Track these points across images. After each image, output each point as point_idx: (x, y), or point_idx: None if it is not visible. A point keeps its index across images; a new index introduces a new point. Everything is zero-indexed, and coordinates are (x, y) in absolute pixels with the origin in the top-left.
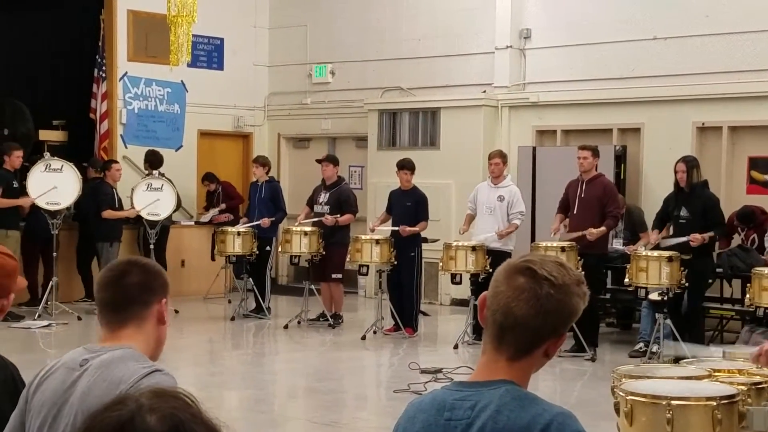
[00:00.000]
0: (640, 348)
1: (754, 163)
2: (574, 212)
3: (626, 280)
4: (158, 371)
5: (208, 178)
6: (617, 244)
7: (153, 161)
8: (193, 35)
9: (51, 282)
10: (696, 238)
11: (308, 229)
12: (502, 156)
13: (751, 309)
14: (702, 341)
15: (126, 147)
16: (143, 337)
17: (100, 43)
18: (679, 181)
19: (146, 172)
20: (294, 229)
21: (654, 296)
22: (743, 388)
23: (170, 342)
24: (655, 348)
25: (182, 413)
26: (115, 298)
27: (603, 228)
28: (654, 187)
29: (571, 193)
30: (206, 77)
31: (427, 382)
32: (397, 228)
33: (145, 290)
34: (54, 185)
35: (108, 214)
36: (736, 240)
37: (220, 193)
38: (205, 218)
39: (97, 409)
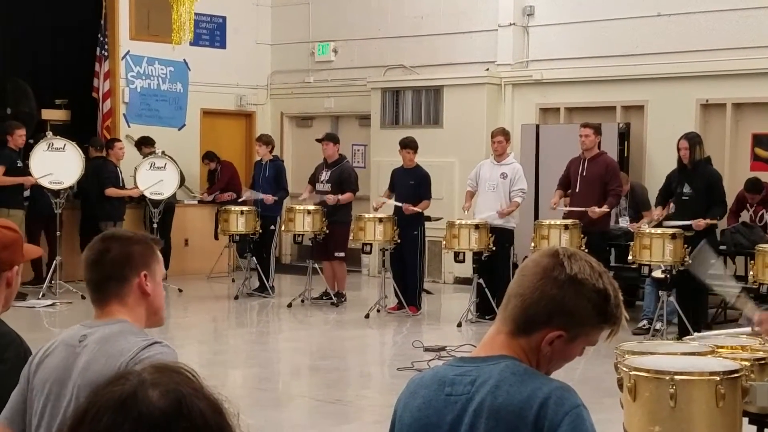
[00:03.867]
0: (644, 325)
1: (758, 140)
2: (576, 190)
3: (630, 257)
4: (157, 343)
5: (208, 156)
6: (623, 222)
7: (144, 142)
8: (195, 13)
9: (54, 261)
10: (699, 225)
11: (311, 207)
12: (505, 134)
13: (754, 286)
14: (705, 318)
15: (129, 126)
16: (129, 311)
17: (102, 22)
18: (682, 158)
19: (147, 151)
20: (297, 208)
21: (657, 274)
22: (746, 363)
23: (174, 320)
24: (658, 325)
25: (184, 388)
26: (93, 277)
27: (605, 208)
28: (658, 165)
29: (572, 170)
30: (209, 56)
31: (430, 360)
32: (400, 204)
33: (122, 266)
34: (57, 165)
35: (111, 192)
36: (745, 217)
37: (219, 173)
38: (208, 199)
39: (99, 385)
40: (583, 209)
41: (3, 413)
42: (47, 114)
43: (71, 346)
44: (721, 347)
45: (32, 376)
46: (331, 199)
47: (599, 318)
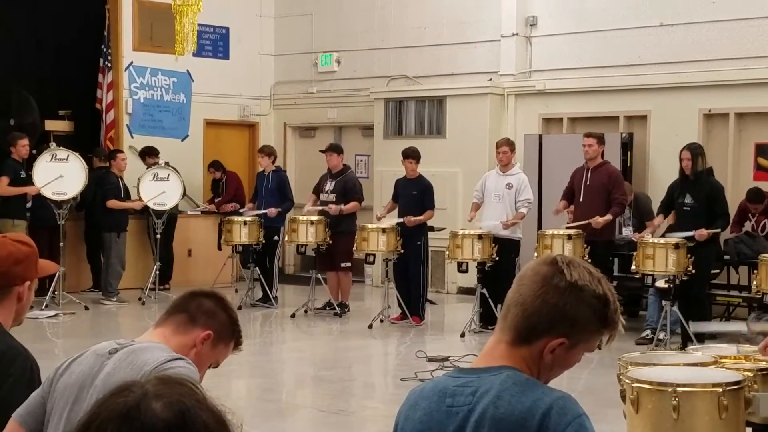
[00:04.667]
0: (647, 335)
1: (761, 150)
2: (580, 200)
3: (633, 267)
4: (181, 359)
5: (214, 165)
6: (627, 232)
7: (148, 152)
8: (199, 24)
9: (58, 272)
10: (702, 234)
11: (315, 218)
12: (510, 144)
13: (757, 296)
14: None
15: (132, 137)
16: (174, 342)
17: (105, 33)
18: (684, 168)
19: (151, 161)
20: (301, 218)
21: (661, 283)
22: (749, 374)
23: None
24: (661, 335)
25: (188, 400)
26: (179, 301)
27: (608, 216)
28: (661, 175)
29: (576, 180)
30: (212, 67)
31: (434, 371)
32: (402, 219)
33: (202, 313)
34: (60, 174)
35: (113, 204)
36: (747, 227)
37: (225, 183)
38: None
39: (103, 396)
40: (586, 222)
41: (17, 411)
42: (51, 125)
43: (100, 356)
44: (724, 357)
45: (56, 381)
46: (333, 209)
47: (600, 323)
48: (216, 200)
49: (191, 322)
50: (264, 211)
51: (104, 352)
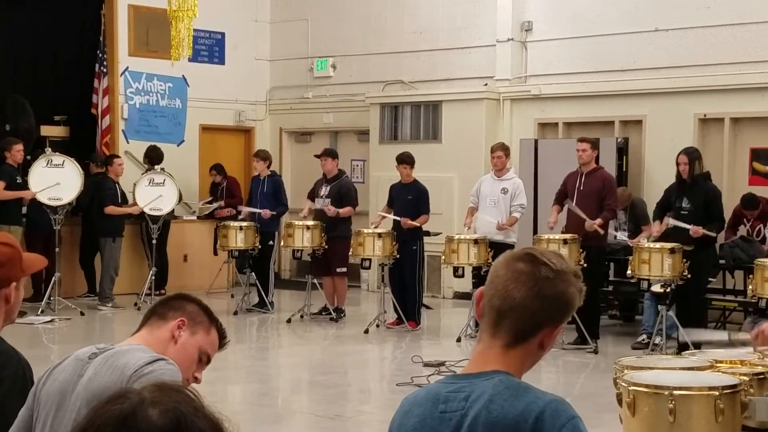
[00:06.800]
0: (643, 340)
1: (756, 155)
2: (573, 204)
3: (629, 272)
4: (162, 360)
5: (216, 168)
6: (622, 236)
7: (153, 157)
8: (194, 30)
9: (53, 277)
10: (697, 231)
11: (310, 223)
12: (504, 149)
13: (753, 300)
14: None
15: (128, 142)
16: (153, 342)
17: (101, 38)
18: (681, 173)
19: (146, 167)
20: (296, 223)
21: (656, 288)
22: (745, 378)
23: None
24: (657, 340)
25: (184, 407)
26: (153, 306)
27: (599, 220)
28: (656, 179)
29: (569, 185)
30: (207, 72)
31: (430, 375)
32: (399, 218)
33: (169, 308)
34: (56, 181)
35: (110, 210)
36: (742, 231)
37: (224, 188)
38: (202, 212)
39: (99, 402)
40: (584, 217)
41: (10, 431)
42: (46, 130)
43: (81, 361)
44: (720, 362)
45: (40, 390)
46: (331, 210)
47: (580, 297)
48: (213, 203)
49: (162, 319)
50: (258, 211)
51: (84, 357)
